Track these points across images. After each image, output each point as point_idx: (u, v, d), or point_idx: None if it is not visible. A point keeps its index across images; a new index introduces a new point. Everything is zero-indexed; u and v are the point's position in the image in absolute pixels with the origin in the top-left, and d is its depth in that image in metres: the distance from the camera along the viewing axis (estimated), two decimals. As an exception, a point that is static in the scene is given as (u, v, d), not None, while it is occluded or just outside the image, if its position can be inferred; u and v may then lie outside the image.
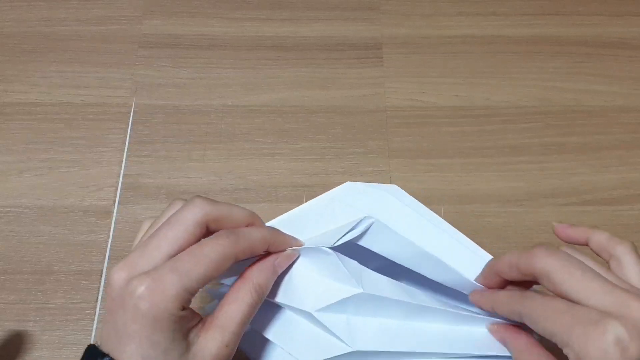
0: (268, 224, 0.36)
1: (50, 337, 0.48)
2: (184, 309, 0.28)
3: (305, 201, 0.54)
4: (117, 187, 0.54)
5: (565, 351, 0.27)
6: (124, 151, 0.56)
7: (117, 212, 0.53)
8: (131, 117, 0.58)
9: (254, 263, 0.33)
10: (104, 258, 0.51)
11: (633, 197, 0.56)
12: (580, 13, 0.66)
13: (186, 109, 0.59)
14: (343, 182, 0.55)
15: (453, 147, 0.58)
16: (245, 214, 0.33)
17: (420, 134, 0.58)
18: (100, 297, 0.50)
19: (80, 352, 0.47)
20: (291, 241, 0.34)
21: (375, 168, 0.56)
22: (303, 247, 0.34)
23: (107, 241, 0.52)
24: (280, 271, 0.33)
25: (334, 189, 0.37)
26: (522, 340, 0.31)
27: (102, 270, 0.51)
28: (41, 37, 0.62)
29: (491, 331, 0.33)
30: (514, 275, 0.31)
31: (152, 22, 0.63)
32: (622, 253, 0.31)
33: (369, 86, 0.61)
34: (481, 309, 0.33)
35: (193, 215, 0.30)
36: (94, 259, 0.51)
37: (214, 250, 0.29)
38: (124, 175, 0.55)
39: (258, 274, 0.32)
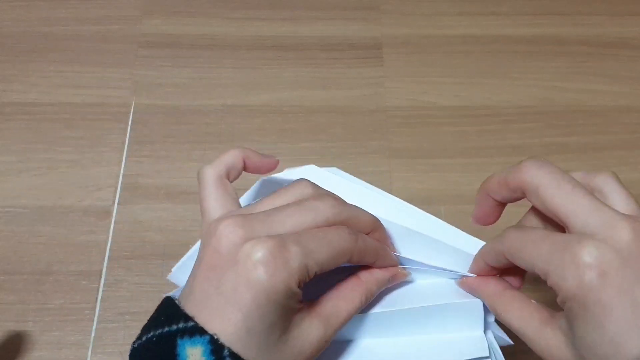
0: None
1: (49, 338, 0.48)
2: (299, 287, 0.26)
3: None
4: (116, 187, 0.54)
5: (548, 283, 0.25)
6: (123, 151, 0.56)
7: (116, 212, 0.53)
8: (131, 117, 0.58)
9: (369, 268, 0.31)
10: (104, 258, 0.51)
11: (634, 198, 0.55)
12: (581, 13, 0.66)
13: (186, 109, 0.59)
14: (343, 182, 0.55)
15: (454, 147, 0.57)
16: (371, 219, 0.31)
17: (420, 134, 0.58)
18: (99, 298, 0.50)
19: (79, 352, 0.48)
20: (394, 261, 0.32)
21: (376, 168, 0.56)
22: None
23: (107, 241, 0.52)
24: (389, 285, 0.32)
25: (247, 192, 0.35)
26: (491, 286, 0.30)
27: (101, 270, 0.51)
28: (40, 37, 0.62)
29: (460, 285, 0.32)
30: (504, 193, 0.29)
31: (152, 22, 0.63)
32: (604, 182, 0.28)
33: (369, 86, 0.60)
34: (476, 275, 0.32)
35: (325, 211, 0.28)
36: (94, 259, 0.51)
37: (336, 240, 0.27)
38: (123, 175, 0.55)
39: (374, 282, 0.30)
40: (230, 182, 0.31)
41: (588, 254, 0.23)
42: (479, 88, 0.61)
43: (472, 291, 0.31)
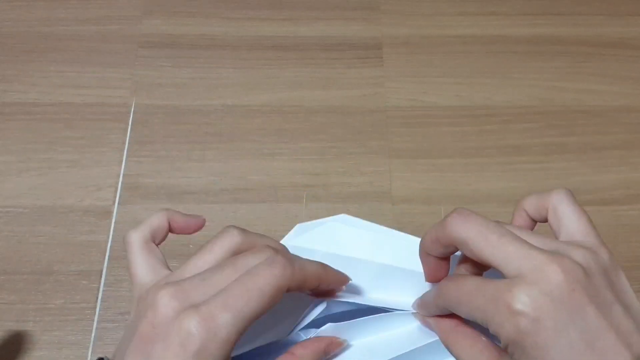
0: None
1: (49, 337, 0.48)
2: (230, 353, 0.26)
3: (305, 202, 0.54)
4: (116, 187, 0.54)
5: (490, 331, 0.26)
6: (123, 151, 0.56)
7: (116, 212, 0.53)
8: (131, 117, 0.58)
9: (307, 342, 0.31)
10: (104, 258, 0.51)
11: (633, 197, 0.56)
12: (581, 13, 0.66)
13: (186, 109, 0.59)
14: (343, 182, 0.55)
15: (453, 147, 0.57)
16: (318, 269, 0.30)
17: (420, 133, 0.58)
18: (100, 298, 0.50)
19: (80, 352, 0.48)
20: (340, 277, 0.32)
21: (375, 168, 0.56)
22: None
23: (107, 241, 0.52)
24: (325, 357, 0.31)
25: (287, 235, 0.36)
26: (446, 322, 0.30)
27: (102, 270, 0.51)
28: (40, 37, 0.62)
29: (416, 318, 0.32)
30: (439, 250, 0.29)
31: (152, 22, 0.63)
32: (558, 201, 0.29)
33: (369, 86, 0.60)
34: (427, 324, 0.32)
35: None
36: (94, 259, 0.51)
37: (268, 284, 0.26)
38: (123, 175, 0.55)
39: (309, 356, 0.30)
40: (157, 244, 0.31)
41: (519, 302, 0.24)
42: (479, 88, 0.61)
43: (428, 326, 0.32)
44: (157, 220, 0.31)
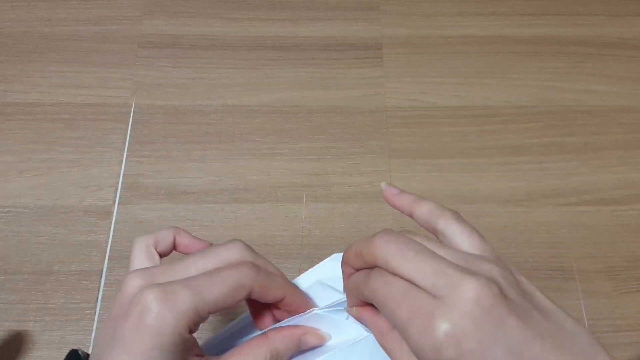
0: None
1: (50, 337, 0.48)
2: (190, 331, 0.27)
3: (305, 202, 0.54)
4: (117, 187, 0.54)
5: (408, 344, 0.26)
6: (124, 151, 0.56)
7: (117, 212, 0.53)
8: (131, 117, 0.58)
9: (282, 327, 0.31)
10: (104, 258, 0.51)
11: (633, 197, 0.56)
12: (581, 13, 0.66)
13: (186, 109, 0.59)
14: (343, 182, 0.55)
15: (453, 147, 0.58)
16: (279, 271, 0.31)
17: (420, 134, 0.58)
18: (100, 297, 0.50)
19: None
20: (307, 302, 0.32)
21: (375, 168, 0.56)
22: (313, 310, 0.33)
23: (107, 241, 0.52)
24: (304, 348, 0.31)
25: (325, 264, 0.35)
26: (381, 324, 0.30)
27: (102, 270, 0.51)
28: (41, 37, 0.62)
29: (349, 313, 0.32)
30: (360, 265, 0.29)
31: (152, 22, 0.63)
32: (446, 225, 0.29)
33: (369, 86, 0.61)
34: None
35: (230, 255, 0.29)
36: (94, 259, 0.51)
37: (231, 276, 0.28)
38: (124, 175, 0.55)
39: (281, 340, 0.30)
40: (160, 252, 0.33)
41: (441, 331, 0.24)
42: (479, 88, 0.61)
43: (363, 323, 0.31)
44: (163, 233, 0.33)
